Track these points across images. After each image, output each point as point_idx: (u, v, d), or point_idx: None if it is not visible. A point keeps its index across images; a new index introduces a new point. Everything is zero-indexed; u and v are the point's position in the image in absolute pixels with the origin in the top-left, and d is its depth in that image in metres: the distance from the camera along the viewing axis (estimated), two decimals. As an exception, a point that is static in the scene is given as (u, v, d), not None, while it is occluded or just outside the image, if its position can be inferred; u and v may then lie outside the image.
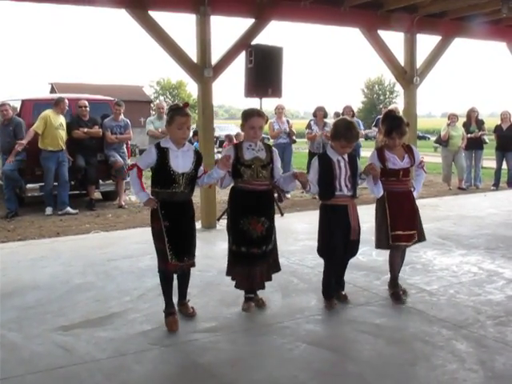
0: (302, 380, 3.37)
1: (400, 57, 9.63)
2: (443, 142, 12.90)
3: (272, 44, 8.05)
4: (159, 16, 7.35)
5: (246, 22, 7.94)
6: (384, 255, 6.12)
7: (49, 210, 9.58)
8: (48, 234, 8.02)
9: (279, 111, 11.40)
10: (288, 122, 11.49)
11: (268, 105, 11.29)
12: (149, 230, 4.28)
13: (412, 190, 4.74)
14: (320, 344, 3.86)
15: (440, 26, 9.51)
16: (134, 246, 6.69)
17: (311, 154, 10.85)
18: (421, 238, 4.79)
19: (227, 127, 29.53)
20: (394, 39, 9.80)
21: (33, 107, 10.42)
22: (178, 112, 4.12)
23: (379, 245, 4.77)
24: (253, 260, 4.38)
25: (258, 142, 4.41)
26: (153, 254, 4.30)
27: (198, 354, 3.73)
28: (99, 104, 11.43)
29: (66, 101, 9.97)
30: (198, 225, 7.91)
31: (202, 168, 4.32)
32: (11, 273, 5.64)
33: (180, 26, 13.00)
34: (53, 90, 24.55)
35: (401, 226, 4.59)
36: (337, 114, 12.22)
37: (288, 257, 6.02)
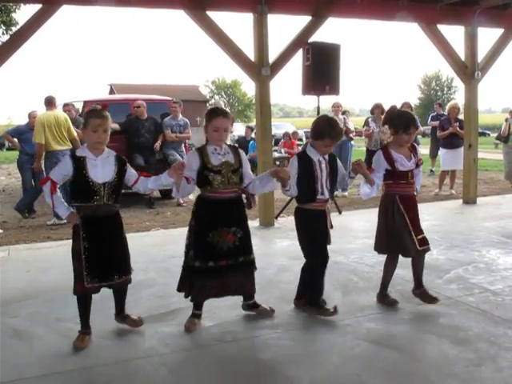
0: (364, 379, 3.35)
1: (460, 51, 9.39)
2: (503, 138, 12.50)
3: (329, 41, 8.03)
4: (217, 16, 7.45)
5: (303, 20, 7.94)
6: (445, 254, 6.03)
7: None
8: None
9: (336, 109, 11.32)
10: (345, 119, 11.40)
11: (324, 102, 11.35)
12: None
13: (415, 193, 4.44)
14: (382, 343, 3.82)
15: (503, 18, 9.19)
16: (193, 243, 6.76)
17: (369, 152, 10.76)
18: None
19: (282, 125, 29.56)
20: (453, 32, 9.58)
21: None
22: (92, 114, 3.81)
23: (406, 253, 4.34)
24: (225, 273, 4.05)
25: (224, 145, 4.05)
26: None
27: (259, 350, 3.76)
28: (157, 104, 11.69)
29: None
30: (256, 223, 7.95)
31: (133, 172, 3.98)
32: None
33: (236, 25, 13.11)
34: (112, 91, 25.13)
35: (420, 229, 4.32)
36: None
37: (347, 255, 5.99)
